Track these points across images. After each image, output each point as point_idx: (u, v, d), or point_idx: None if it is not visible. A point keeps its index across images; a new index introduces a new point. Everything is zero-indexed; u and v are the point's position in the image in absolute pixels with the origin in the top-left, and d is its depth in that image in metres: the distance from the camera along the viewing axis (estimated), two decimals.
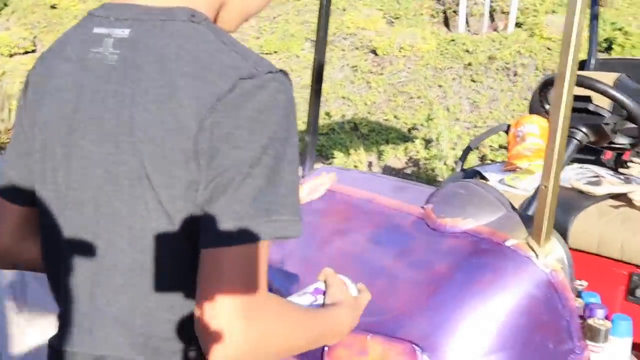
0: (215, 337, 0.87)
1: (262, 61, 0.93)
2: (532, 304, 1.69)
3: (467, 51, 7.60)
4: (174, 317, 0.97)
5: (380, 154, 6.87)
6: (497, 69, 7.37)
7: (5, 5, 12.38)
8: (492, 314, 1.67)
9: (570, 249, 2.45)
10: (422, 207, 1.95)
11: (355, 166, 6.40)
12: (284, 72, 0.94)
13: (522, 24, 7.92)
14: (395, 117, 7.24)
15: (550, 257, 1.72)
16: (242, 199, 0.88)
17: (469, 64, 7.48)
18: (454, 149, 6.38)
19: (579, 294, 2.34)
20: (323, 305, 1.21)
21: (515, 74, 7.24)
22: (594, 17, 3.24)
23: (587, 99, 2.09)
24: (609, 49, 7.35)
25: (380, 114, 7.38)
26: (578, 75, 2.17)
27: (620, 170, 2.84)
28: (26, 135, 1.06)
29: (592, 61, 3.22)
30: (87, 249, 0.99)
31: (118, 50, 0.95)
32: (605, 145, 2.14)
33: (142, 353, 0.98)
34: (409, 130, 7.09)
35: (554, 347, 1.74)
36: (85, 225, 0.99)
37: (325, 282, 1.28)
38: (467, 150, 3.20)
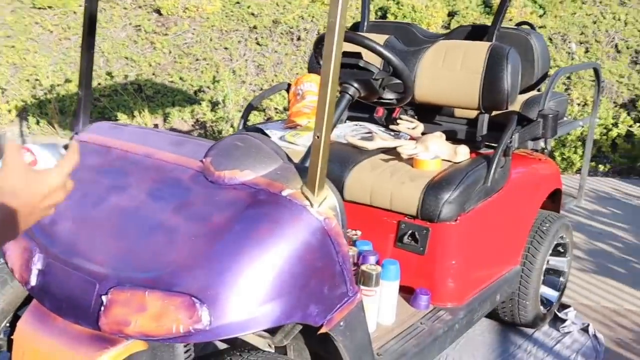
0: None
1: None
2: (308, 251, 1.74)
3: (253, 14, 7.63)
4: None
5: (166, 116, 6.71)
6: (282, 33, 7.49)
7: None
8: (269, 263, 1.69)
9: (346, 201, 2.59)
10: (201, 161, 1.93)
11: None
12: None
13: None
14: (181, 78, 7.10)
15: (324, 205, 1.78)
16: None
17: (255, 27, 7.52)
18: (240, 111, 6.40)
19: (353, 243, 2.47)
20: None
21: (298, 38, 7.41)
22: None
23: (358, 56, 2.18)
24: (383, 17, 7.78)
25: (166, 76, 7.19)
26: (349, 32, 2.26)
27: (391, 127, 3.03)
28: None
29: (365, 23, 3.39)
30: None
31: None
32: (376, 100, 2.26)
33: None
34: (195, 92, 6.99)
35: (328, 291, 1.82)
36: None
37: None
38: (249, 108, 3.22)
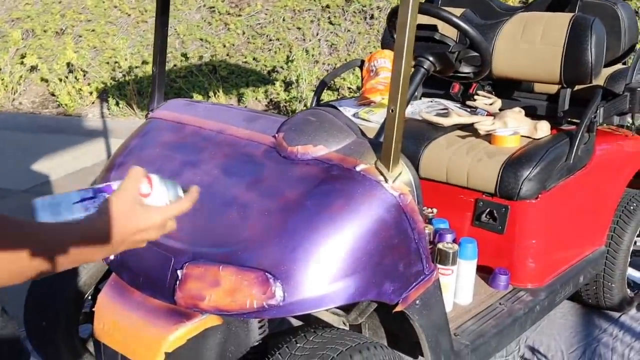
0: None
1: None
2: (382, 227, 1.71)
3: None
4: None
5: (240, 96, 6.76)
6: (355, 12, 7.40)
7: None
8: (343, 239, 1.67)
9: (421, 178, 2.53)
10: (274, 136, 1.91)
11: None
12: None
13: None
14: (254, 59, 7.13)
15: (399, 180, 1.74)
16: None
17: (327, 7, 7.46)
18: (313, 90, 6.36)
19: (429, 221, 2.42)
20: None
21: (371, 17, 7.31)
22: None
23: (433, 28, 2.11)
24: None
25: (240, 56, 7.24)
26: (424, 4, 2.19)
27: (468, 103, 2.94)
28: None
29: None
30: None
31: None
32: (452, 74, 2.19)
33: None
34: (269, 72, 7.01)
35: (404, 269, 1.78)
36: None
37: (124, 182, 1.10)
38: (322, 85, 3.19)
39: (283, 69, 6.95)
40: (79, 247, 0.98)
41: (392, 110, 1.68)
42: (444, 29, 2.23)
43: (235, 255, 1.70)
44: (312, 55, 7.10)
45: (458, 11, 3.03)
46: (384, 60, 3.08)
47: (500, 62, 2.84)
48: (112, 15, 7.83)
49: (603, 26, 2.68)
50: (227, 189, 1.85)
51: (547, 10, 3.02)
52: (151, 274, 1.83)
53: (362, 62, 3.25)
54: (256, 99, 6.75)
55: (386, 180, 1.72)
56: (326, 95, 6.28)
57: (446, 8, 3.05)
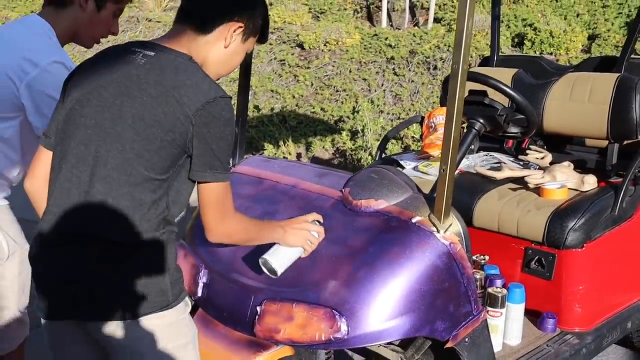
0: (208, 228, 1.72)
1: (220, 90, 1.64)
2: (435, 272, 1.95)
3: (390, 45, 7.91)
4: (156, 212, 1.64)
5: (308, 145, 7.11)
6: (418, 63, 7.71)
7: None
8: (399, 282, 1.92)
9: (475, 227, 2.76)
10: (341, 191, 2.20)
11: (285, 157, 6.62)
12: (228, 96, 1.64)
13: (440, 19, 8.31)
14: (322, 109, 7.49)
15: (450, 231, 1.99)
16: (217, 158, 1.64)
17: (392, 58, 7.79)
18: (378, 140, 6.66)
19: (481, 267, 2.64)
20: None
21: (435, 68, 7.59)
22: (496, 18, 3.56)
23: (484, 94, 2.37)
24: (520, 44, 7.81)
25: (308, 107, 7.62)
26: (474, 73, 2.45)
27: (520, 157, 3.16)
28: (64, 103, 1.69)
29: (495, 57, 3.54)
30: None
31: (145, 60, 1.64)
32: (501, 134, 2.43)
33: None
34: (336, 122, 7.35)
35: (454, 309, 2.01)
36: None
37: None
38: (385, 141, 3.47)
39: (349, 118, 7.27)
40: (273, 231, 1.90)
41: (444, 170, 1.94)
42: (495, 93, 2.48)
43: (306, 294, 1.98)
44: (377, 105, 7.42)
45: (511, 72, 3.28)
46: (442, 117, 3.33)
47: (550, 119, 3.06)
48: None
49: None
50: None
51: (594, 70, 3.24)
52: (234, 310, 2.12)
53: (422, 118, 3.52)
54: (323, 147, 7.08)
55: (438, 231, 1.97)
56: (391, 144, 6.54)
57: (500, 69, 3.32)
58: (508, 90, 2.32)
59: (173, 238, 1.71)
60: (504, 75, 3.24)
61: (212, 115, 1.60)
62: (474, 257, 2.62)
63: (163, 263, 1.66)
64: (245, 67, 2.66)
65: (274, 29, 8.78)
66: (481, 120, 2.34)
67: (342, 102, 7.53)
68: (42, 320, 1.73)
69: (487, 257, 2.66)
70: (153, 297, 1.63)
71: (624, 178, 2.67)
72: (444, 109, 3.46)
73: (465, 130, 2.39)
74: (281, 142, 6.84)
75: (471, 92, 2.42)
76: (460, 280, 2.01)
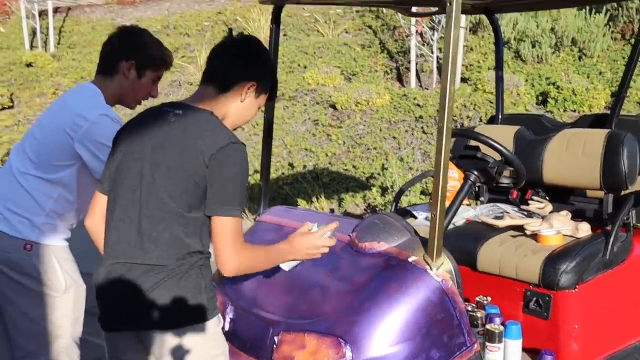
0: (221, 259, 1.96)
1: (233, 137, 2.00)
2: (429, 305, 2.23)
3: (418, 105, 8.28)
4: (192, 242, 1.99)
5: (340, 201, 7.43)
6: None
7: None
8: (397, 314, 2.21)
9: (478, 271, 3.02)
10: (349, 235, 2.51)
11: None
12: (241, 143, 2.00)
13: (467, 79, 8.65)
14: (353, 166, 7.84)
15: (442, 269, 2.27)
16: (229, 196, 1.95)
17: (420, 117, 8.14)
18: (407, 195, 6.95)
19: (483, 307, 2.89)
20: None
21: (462, 126, 7.91)
22: (500, 80, 3.89)
23: (477, 148, 2.67)
24: (544, 102, 8.09)
25: (340, 164, 7.98)
26: (463, 130, 2.76)
27: (523, 207, 3.43)
28: (115, 156, 2.09)
29: (500, 116, 3.85)
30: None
31: (174, 117, 2.03)
32: (495, 184, 2.72)
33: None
34: (367, 179, 7.67)
35: (448, 340, 2.28)
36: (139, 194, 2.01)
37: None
38: (400, 193, 3.77)
39: (380, 175, 7.59)
40: (284, 254, 2.16)
41: (434, 215, 2.23)
42: (487, 148, 2.78)
43: (317, 325, 2.27)
44: (406, 162, 7.73)
45: (514, 129, 3.58)
46: (452, 171, 3.63)
47: (549, 171, 3.34)
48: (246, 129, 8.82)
49: (635, 140, 3.14)
50: (313, 275, 2.45)
51: (589, 126, 3.51)
52: (255, 341, 2.43)
53: None
54: (355, 203, 7.39)
55: (431, 269, 2.26)
56: (414, 197, 6.80)
57: (504, 126, 3.61)
58: (496, 145, 2.62)
59: (207, 263, 2.04)
60: (507, 132, 3.54)
61: (225, 157, 1.94)
62: (477, 298, 2.87)
63: (199, 283, 2.01)
64: (268, 128, 3.02)
65: (308, 90, 9.25)
66: (475, 172, 2.64)
67: (372, 160, 7.87)
68: (104, 333, 2.09)
69: (489, 298, 2.91)
70: (193, 310, 1.98)
71: (612, 224, 2.92)
72: (451, 163, 3.77)
73: (463, 181, 2.69)
74: (314, 198, 7.18)
75: (467, 147, 2.73)
76: (453, 313, 2.27)
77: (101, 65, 2.65)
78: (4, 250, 2.55)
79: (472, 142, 2.77)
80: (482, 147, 2.69)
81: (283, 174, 7.92)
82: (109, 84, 2.62)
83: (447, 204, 3.43)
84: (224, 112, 2.12)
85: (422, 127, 8.10)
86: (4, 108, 10.72)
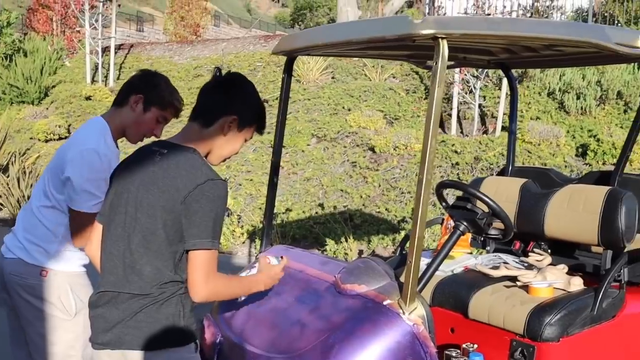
0: (190, 287, 2.14)
1: (212, 174, 2.15)
2: (399, 349, 2.33)
3: (456, 152, 8.36)
4: (172, 273, 2.15)
5: (369, 242, 7.52)
6: (482, 169, 8.08)
7: (46, 95, 13.59)
8: (368, 354, 2.31)
9: (469, 319, 3.09)
10: (334, 276, 2.63)
11: (346, 254, 7.05)
12: (221, 180, 2.15)
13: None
14: (386, 209, 7.93)
15: (414, 314, 2.37)
16: (203, 230, 2.11)
17: (457, 164, 8.21)
18: (434, 240, 7.01)
19: (468, 354, 2.96)
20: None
21: (492, 174, 7.94)
22: (512, 133, 3.98)
23: (467, 199, 2.78)
24: (584, 154, 8.06)
25: (374, 207, 8.08)
26: (453, 181, 2.88)
27: (523, 258, 3.48)
28: (109, 192, 2.29)
29: (510, 168, 3.93)
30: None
31: (160, 157, 2.20)
32: (484, 235, 2.81)
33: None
34: (399, 222, 7.75)
35: None
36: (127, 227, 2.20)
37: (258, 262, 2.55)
38: (405, 239, 3.87)
39: (411, 219, 7.66)
40: (251, 284, 2.42)
41: (410, 262, 2.35)
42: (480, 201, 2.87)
43: (294, 359, 2.39)
44: (439, 208, 7.78)
45: (521, 181, 3.66)
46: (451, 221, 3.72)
47: (550, 225, 3.40)
48: (268, 167, 9.05)
49: (635, 199, 3.18)
50: (296, 312, 2.58)
51: (595, 183, 3.56)
52: None
53: (443, 220, 3.91)
54: (383, 245, 7.47)
55: (404, 313, 2.36)
56: (434, 243, 6.83)
57: (514, 178, 3.70)
58: (484, 197, 2.72)
59: (186, 293, 2.18)
60: (514, 184, 3.62)
61: (200, 194, 2.10)
62: (463, 345, 2.94)
63: (179, 310, 2.17)
64: (274, 169, 3.19)
65: (349, 132, 9.45)
66: (465, 223, 2.73)
67: (405, 204, 7.96)
68: (93, 352, 2.24)
69: (475, 345, 2.97)
70: (172, 334, 2.14)
71: (602, 280, 2.96)
72: None
73: (453, 230, 2.79)
74: (343, 239, 7.30)
75: (459, 198, 2.84)
76: (423, 357, 2.36)
77: (116, 98, 2.85)
78: (23, 276, 2.78)
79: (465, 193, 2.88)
80: (474, 199, 2.80)
81: (316, 213, 8.07)
82: (117, 116, 2.81)
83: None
84: (209, 147, 2.30)
85: (457, 174, 8.15)
86: (60, 138, 11.27)
